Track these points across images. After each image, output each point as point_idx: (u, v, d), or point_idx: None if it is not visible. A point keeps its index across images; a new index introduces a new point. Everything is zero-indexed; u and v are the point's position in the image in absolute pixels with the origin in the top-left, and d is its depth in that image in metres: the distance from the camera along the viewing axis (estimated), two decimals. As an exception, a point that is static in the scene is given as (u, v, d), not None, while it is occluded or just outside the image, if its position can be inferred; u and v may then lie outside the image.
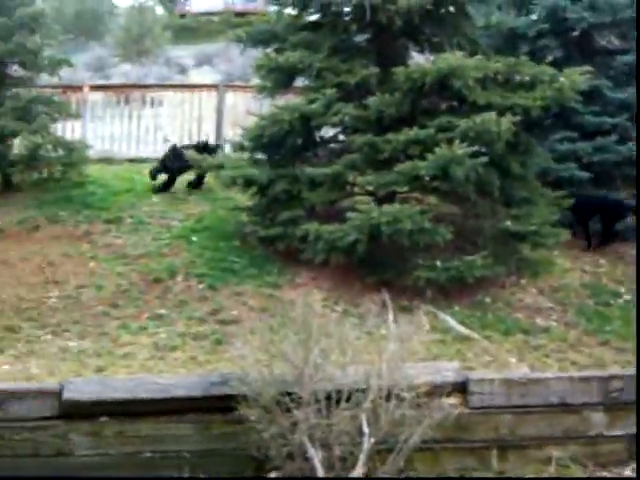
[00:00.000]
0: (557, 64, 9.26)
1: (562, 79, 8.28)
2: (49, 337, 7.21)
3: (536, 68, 8.63)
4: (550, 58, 10.36)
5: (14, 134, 10.68)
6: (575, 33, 10.53)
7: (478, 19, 9.75)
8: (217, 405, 5.79)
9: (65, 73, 12.13)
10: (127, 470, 5.80)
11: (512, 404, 6.15)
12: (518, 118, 8.04)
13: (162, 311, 7.72)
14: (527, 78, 8.53)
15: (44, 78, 11.90)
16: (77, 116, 12.41)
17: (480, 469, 6.07)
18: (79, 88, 14.10)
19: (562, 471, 6.06)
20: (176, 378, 6.15)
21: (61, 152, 10.84)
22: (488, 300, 8.31)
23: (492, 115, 7.90)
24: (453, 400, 5.99)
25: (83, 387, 5.85)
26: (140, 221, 9.68)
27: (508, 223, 8.53)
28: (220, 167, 8.94)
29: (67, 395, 5.75)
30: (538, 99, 8.21)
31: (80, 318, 7.54)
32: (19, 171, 10.61)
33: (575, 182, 9.80)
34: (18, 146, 10.84)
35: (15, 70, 11.22)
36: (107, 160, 12.77)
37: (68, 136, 12.49)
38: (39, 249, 9.00)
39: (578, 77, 8.34)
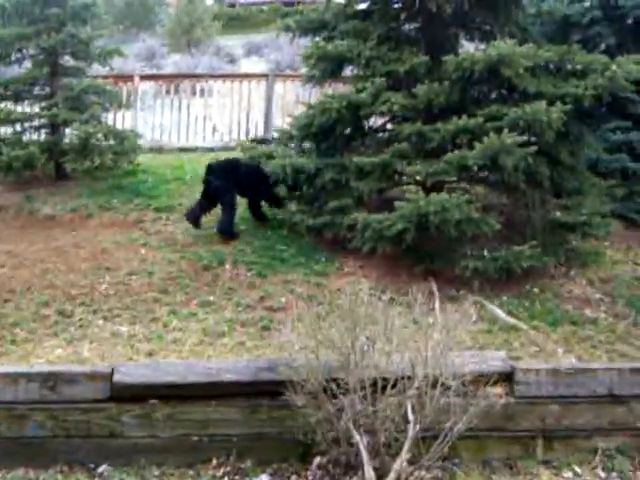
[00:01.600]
0: (610, 52, 9.11)
1: (615, 68, 8.13)
2: (101, 322, 7.36)
3: (588, 56, 8.50)
4: (603, 46, 10.19)
5: (66, 123, 10.89)
6: (629, 21, 10.34)
7: (529, 7, 9.64)
8: (265, 390, 5.86)
9: (116, 63, 12.36)
10: (176, 452, 5.91)
11: (559, 394, 6.11)
12: (569, 107, 7.94)
13: (211, 298, 7.82)
14: (579, 67, 8.40)
15: (95, 68, 12.11)
16: (128, 106, 12.63)
17: (525, 458, 6.06)
18: (130, 78, 14.34)
19: (608, 462, 6.01)
20: (225, 363, 6.22)
21: (112, 141, 11.03)
22: (536, 290, 8.25)
23: (542, 104, 7.81)
24: (499, 389, 5.98)
25: (134, 370, 5.97)
26: (190, 209, 9.82)
27: (557, 213, 8.46)
28: (270, 156, 8.98)
29: (118, 378, 5.87)
30: (590, 88, 8.09)
31: (131, 304, 7.67)
32: (71, 160, 10.81)
33: (627, 173, 9.67)
34: (70, 135, 11.04)
35: (67, 60, 11.42)
36: (157, 149, 13.00)
37: (119, 125, 12.72)
38: (91, 236, 9.18)
39: (632, 66, 8.18)
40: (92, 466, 5.85)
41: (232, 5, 59.41)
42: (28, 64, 11.40)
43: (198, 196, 9.33)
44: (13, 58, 11.26)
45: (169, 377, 5.91)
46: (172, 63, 29.64)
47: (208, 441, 5.93)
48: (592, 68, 8.29)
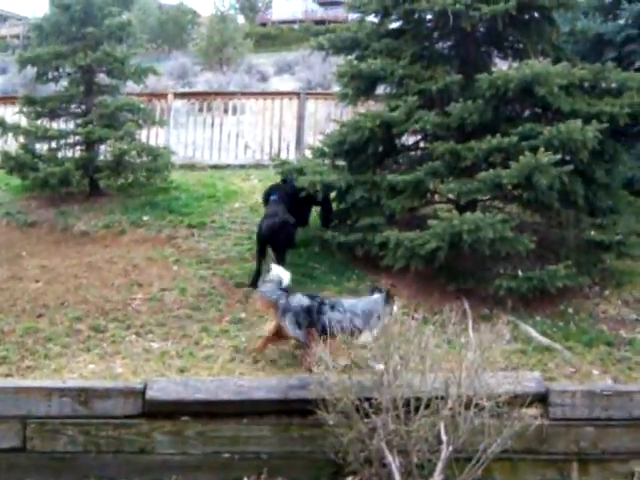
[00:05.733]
0: (645, 70, 9.05)
1: (651, 85, 8.09)
2: (133, 338, 7.38)
3: (623, 74, 8.44)
4: (638, 64, 10.12)
5: (101, 140, 11.00)
6: (665, 39, 10.25)
7: (563, 25, 9.58)
8: (296, 408, 5.85)
9: (149, 81, 12.43)
10: (206, 470, 5.93)
11: (594, 416, 6.05)
12: (604, 126, 7.88)
13: (243, 315, 7.82)
14: (614, 85, 8.35)
15: (130, 86, 12.23)
16: (161, 123, 12.71)
17: (560, 482, 5.99)
18: (163, 96, 14.46)
19: (645, 486, 5.92)
20: (256, 381, 6.22)
21: (146, 158, 11.10)
22: (570, 310, 8.16)
23: (577, 123, 7.76)
24: (534, 411, 5.93)
25: (166, 387, 5.99)
26: (222, 226, 9.87)
27: (592, 232, 8.37)
28: (301, 171, 8.98)
29: (150, 394, 5.90)
30: (625, 106, 8.03)
31: (163, 320, 7.70)
32: (105, 176, 10.90)
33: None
34: (104, 152, 11.16)
35: (102, 78, 11.55)
36: (190, 166, 13.05)
37: (152, 143, 12.82)
38: (124, 252, 9.24)
39: (668, 83, 8.13)
40: (123, 482, 5.86)
41: (263, 24, 60.04)
42: (64, 82, 11.53)
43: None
44: (50, 76, 11.39)
45: (200, 394, 5.93)
46: (204, 81, 29.93)
47: (239, 459, 5.93)
48: (627, 86, 8.24)
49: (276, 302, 6.75)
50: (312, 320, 6.59)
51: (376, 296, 6.84)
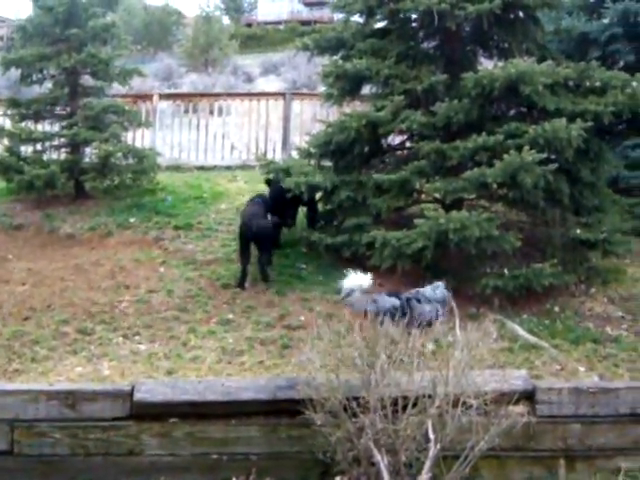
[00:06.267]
0: (629, 69, 9.09)
1: (635, 84, 8.13)
2: (120, 340, 7.37)
3: (607, 73, 8.48)
4: (622, 63, 10.18)
5: (86, 142, 10.96)
6: (649, 37, 10.32)
7: (548, 24, 9.63)
8: (284, 408, 5.84)
9: (134, 83, 12.41)
10: (195, 471, 5.91)
11: (581, 413, 6.06)
12: (589, 124, 7.93)
13: (230, 316, 7.82)
14: (598, 83, 8.39)
15: (115, 87, 12.19)
16: (147, 125, 12.67)
17: (547, 478, 6.00)
18: (149, 97, 14.43)
19: (631, 482, 5.95)
20: (244, 381, 6.21)
21: (132, 160, 11.06)
22: (557, 309, 8.20)
23: (562, 121, 7.80)
24: (521, 408, 5.93)
25: (154, 389, 5.97)
26: (209, 227, 9.86)
27: (578, 231, 8.41)
28: (286, 172, 8.98)
29: (138, 396, 5.87)
30: (610, 105, 8.08)
31: (150, 322, 7.68)
32: (91, 178, 10.85)
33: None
34: (90, 154, 11.12)
35: (87, 80, 11.51)
36: (176, 168, 13.03)
37: (138, 144, 12.79)
38: (111, 254, 9.21)
39: (652, 82, 8.18)
40: (111, 485, 5.84)
41: (249, 24, 60.00)
42: (49, 84, 11.48)
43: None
44: (34, 78, 11.33)
45: (188, 395, 5.91)
46: (189, 82, 29.88)
47: (227, 460, 5.91)
48: (612, 85, 8.28)
49: (365, 311, 6.75)
50: (406, 315, 6.67)
51: (439, 284, 7.24)
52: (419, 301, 7.01)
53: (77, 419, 5.88)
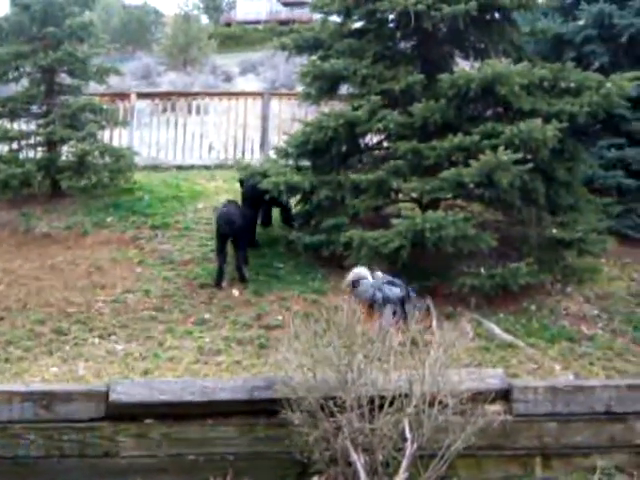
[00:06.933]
0: (604, 70, 9.17)
1: (609, 85, 8.19)
2: (96, 340, 7.33)
3: (582, 74, 8.55)
4: (597, 64, 10.24)
5: (63, 141, 10.89)
6: (623, 39, 10.36)
7: (524, 25, 9.67)
8: (261, 408, 5.84)
9: (112, 81, 12.35)
10: (172, 472, 5.88)
11: (557, 412, 6.10)
12: (564, 125, 7.98)
13: (207, 316, 7.80)
14: (573, 84, 8.44)
15: (92, 86, 12.11)
16: (124, 124, 12.59)
17: (523, 477, 6.04)
18: (126, 96, 14.31)
19: (607, 480, 6.00)
20: (221, 381, 6.19)
21: (109, 159, 11.00)
22: (533, 307, 8.25)
23: (537, 122, 7.85)
24: (497, 407, 5.97)
25: (130, 389, 5.93)
26: (186, 227, 9.83)
27: (553, 230, 8.47)
28: (264, 174, 8.97)
29: (114, 397, 5.84)
30: (584, 105, 8.13)
31: (127, 322, 7.65)
32: (67, 177, 10.77)
33: (622, 190, 9.71)
34: (66, 153, 11.04)
35: (64, 78, 11.43)
36: (153, 167, 12.96)
37: (115, 143, 12.70)
38: (87, 254, 9.16)
39: (626, 83, 8.25)
40: (87, 486, 5.80)
41: (228, 24, 59.77)
42: (25, 82, 11.40)
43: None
44: (10, 76, 11.24)
45: (165, 396, 5.88)
46: (168, 81, 29.71)
47: (204, 460, 5.89)
48: (586, 86, 8.34)
49: (372, 300, 7.26)
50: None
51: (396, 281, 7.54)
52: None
53: (52, 420, 5.82)
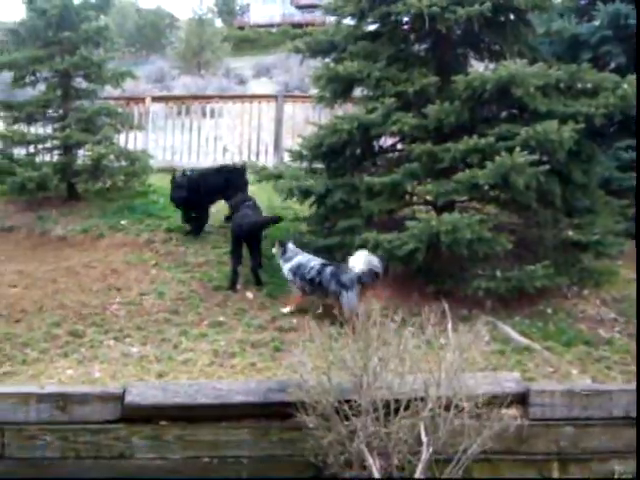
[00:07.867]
0: (620, 71, 9.08)
1: (626, 86, 8.12)
2: (112, 342, 7.34)
3: (599, 75, 8.48)
4: (613, 65, 10.19)
5: (79, 145, 10.95)
6: (639, 39, 10.31)
7: (539, 26, 9.63)
8: (275, 411, 5.82)
9: (127, 85, 12.41)
10: (186, 474, 5.88)
11: (574, 416, 6.04)
12: (580, 126, 7.92)
13: (222, 318, 7.80)
14: (589, 85, 8.37)
15: (107, 90, 12.19)
16: (139, 127, 12.67)
17: (540, 482, 6.00)
18: (141, 100, 14.43)
19: (624, 485, 5.94)
20: (235, 384, 6.18)
21: (124, 162, 11.08)
22: (549, 311, 8.19)
23: (553, 123, 7.79)
24: (513, 411, 5.91)
25: (145, 391, 5.94)
26: (201, 230, 9.83)
27: (570, 232, 8.41)
28: (278, 177, 8.97)
29: (129, 399, 5.85)
30: (601, 107, 8.06)
31: (142, 324, 7.66)
32: (83, 181, 10.87)
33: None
34: (82, 157, 11.10)
35: (80, 83, 11.51)
36: (168, 170, 12.98)
37: (131, 147, 12.78)
38: (102, 257, 9.20)
39: (642, 84, 8.18)
40: (102, 488, 5.81)
41: (241, 27, 59.98)
42: (41, 87, 11.48)
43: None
44: (27, 81, 11.36)
45: (179, 398, 5.88)
46: (182, 85, 29.82)
47: (218, 463, 5.89)
48: (603, 87, 8.27)
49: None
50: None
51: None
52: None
53: (68, 422, 5.84)
